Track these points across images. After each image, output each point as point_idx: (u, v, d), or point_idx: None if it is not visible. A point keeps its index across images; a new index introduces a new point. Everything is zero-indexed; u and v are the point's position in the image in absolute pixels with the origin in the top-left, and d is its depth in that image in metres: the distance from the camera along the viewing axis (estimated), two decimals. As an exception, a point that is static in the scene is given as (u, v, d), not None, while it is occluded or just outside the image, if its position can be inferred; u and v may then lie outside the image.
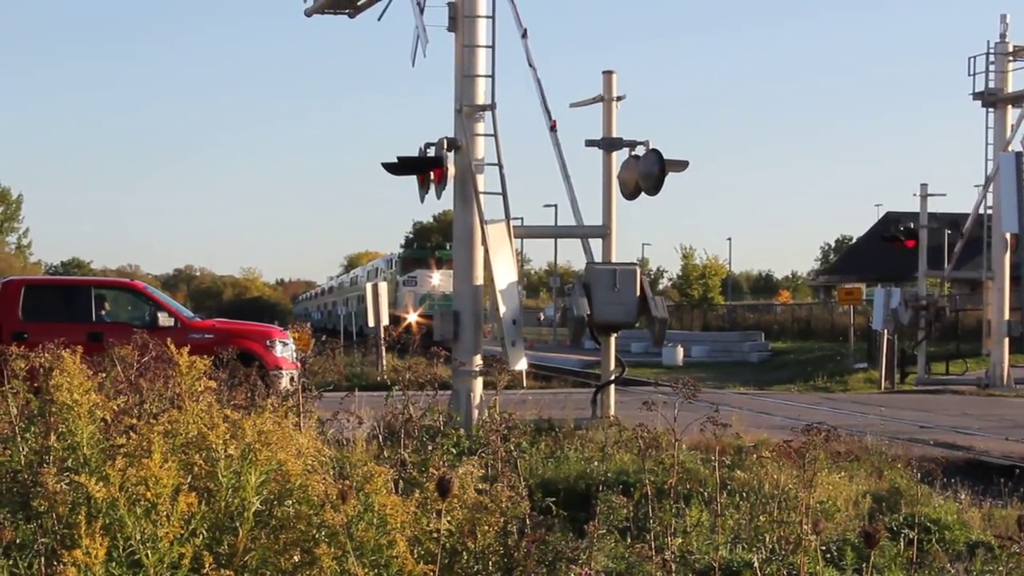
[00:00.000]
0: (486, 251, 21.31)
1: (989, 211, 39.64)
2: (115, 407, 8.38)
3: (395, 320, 53.03)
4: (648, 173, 23.84)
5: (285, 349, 25.64)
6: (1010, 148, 37.42)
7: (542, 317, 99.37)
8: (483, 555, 8.04)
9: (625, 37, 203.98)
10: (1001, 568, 10.51)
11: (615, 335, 24.49)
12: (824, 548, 10.87)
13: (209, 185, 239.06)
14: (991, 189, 38.51)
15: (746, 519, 11.62)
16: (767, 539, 10.46)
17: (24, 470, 8.05)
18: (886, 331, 41.10)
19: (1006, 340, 40.31)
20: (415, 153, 22.07)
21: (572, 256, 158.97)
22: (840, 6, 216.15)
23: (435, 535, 7.66)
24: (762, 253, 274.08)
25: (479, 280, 22.10)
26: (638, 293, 22.64)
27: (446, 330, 21.93)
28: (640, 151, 24.34)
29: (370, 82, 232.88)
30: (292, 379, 15.61)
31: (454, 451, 13.26)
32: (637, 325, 23.48)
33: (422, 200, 22.17)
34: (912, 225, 44.63)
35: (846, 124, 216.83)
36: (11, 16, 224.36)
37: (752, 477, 14.38)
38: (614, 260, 24.03)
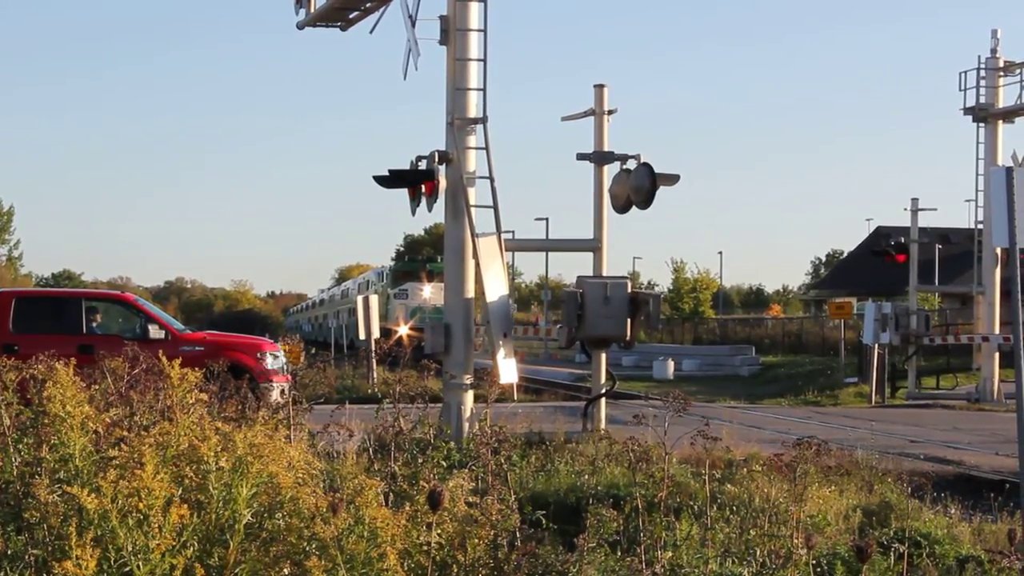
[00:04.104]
0: (477, 264, 21.32)
1: (979, 226, 39.79)
2: (107, 419, 8.39)
3: (386, 333, 52.95)
4: (639, 187, 23.89)
5: (276, 361, 25.61)
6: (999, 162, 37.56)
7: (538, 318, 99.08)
8: (473, 568, 8.05)
9: (617, 51, 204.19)
10: (991, 582, 10.53)
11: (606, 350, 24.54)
12: (815, 562, 10.87)
13: (200, 198, 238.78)
14: (982, 204, 38.64)
15: (736, 533, 11.62)
16: (757, 553, 10.47)
17: (16, 481, 8.06)
18: (877, 345, 41.11)
19: (996, 355, 40.35)
20: (407, 166, 22.08)
21: (563, 269, 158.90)
22: (831, 23, 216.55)
23: (425, 548, 7.66)
24: (753, 267, 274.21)
25: (470, 293, 22.11)
26: (628, 302, 22.71)
27: (437, 343, 21.91)
28: (631, 165, 24.39)
29: (362, 95, 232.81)
30: (283, 392, 15.62)
31: (444, 464, 13.24)
32: (628, 336, 23.46)
33: (413, 213, 22.19)
34: (903, 239, 44.68)
35: (837, 139, 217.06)
36: (4, 30, 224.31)
37: (743, 491, 14.39)
38: (605, 274, 24.07)
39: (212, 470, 7.54)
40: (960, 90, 40.48)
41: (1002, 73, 40.45)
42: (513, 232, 27.19)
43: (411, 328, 60.32)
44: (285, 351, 26.50)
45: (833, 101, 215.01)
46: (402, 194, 22.19)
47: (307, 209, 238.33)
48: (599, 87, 25.33)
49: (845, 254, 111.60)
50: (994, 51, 40.43)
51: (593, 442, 19.35)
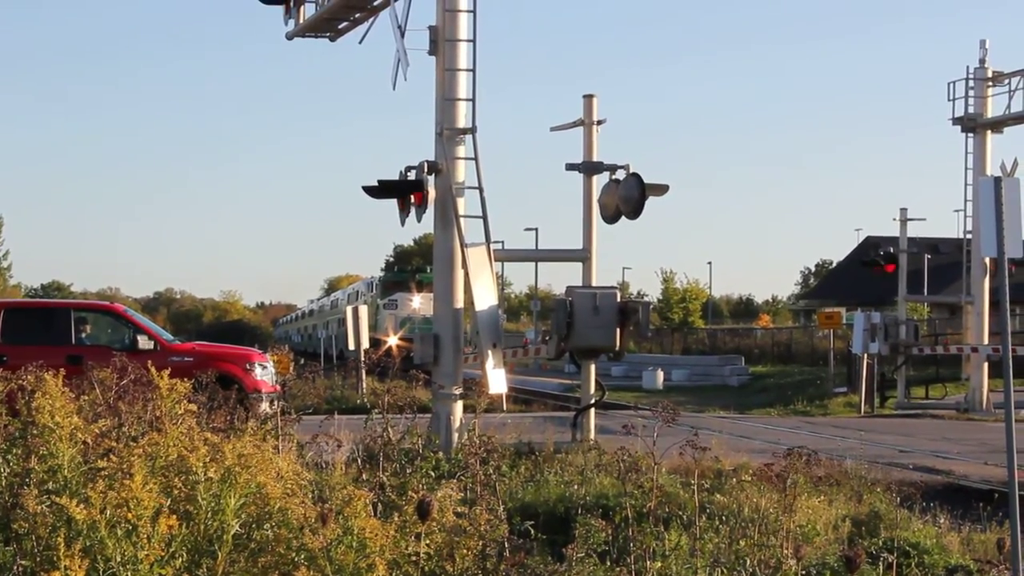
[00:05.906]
0: (466, 274, 21.30)
1: (968, 236, 39.83)
2: (96, 430, 8.39)
3: (375, 343, 52.92)
4: (628, 197, 23.89)
5: (264, 372, 25.57)
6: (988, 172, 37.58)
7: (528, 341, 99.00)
8: (462, 578, 8.05)
9: (606, 61, 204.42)
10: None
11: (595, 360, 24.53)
12: (804, 572, 10.88)
13: (190, 208, 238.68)
14: (971, 214, 38.68)
15: (726, 543, 11.63)
16: (747, 563, 10.47)
17: (4, 492, 8.05)
18: (866, 355, 41.13)
19: (985, 365, 40.36)
20: (396, 176, 22.07)
21: (553, 279, 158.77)
22: (820, 33, 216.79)
23: (414, 558, 7.66)
24: (742, 277, 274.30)
25: (459, 303, 22.09)
26: (618, 312, 22.70)
27: (426, 353, 21.89)
28: (620, 175, 24.40)
29: (351, 105, 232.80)
30: (272, 402, 15.62)
31: (433, 474, 13.24)
32: (617, 347, 23.44)
33: (403, 223, 22.17)
34: (892, 249, 44.72)
35: (826, 149, 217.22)
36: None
37: (732, 501, 14.38)
38: (594, 284, 24.07)
39: (201, 480, 7.53)
40: (949, 100, 40.53)
41: (991, 83, 40.49)
42: (502, 242, 27.06)
43: (400, 338, 60.33)
44: (274, 362, 26.45)
45: (822, 111, 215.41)
46: (392, 204, 22.18)
47: (296, 220, 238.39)
48: (588, 97, 25.34)
49: (834, 264, 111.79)
50: (983, 61, 40.49)
51: (582, 452, 19.33)
